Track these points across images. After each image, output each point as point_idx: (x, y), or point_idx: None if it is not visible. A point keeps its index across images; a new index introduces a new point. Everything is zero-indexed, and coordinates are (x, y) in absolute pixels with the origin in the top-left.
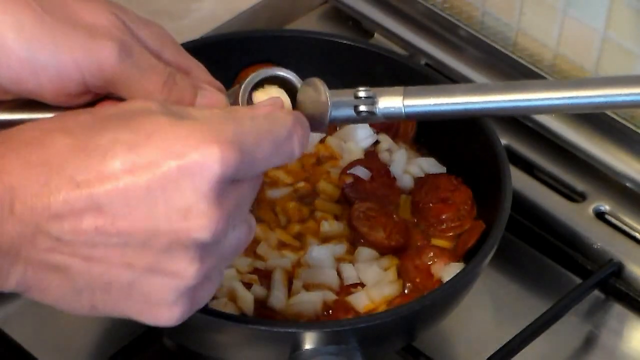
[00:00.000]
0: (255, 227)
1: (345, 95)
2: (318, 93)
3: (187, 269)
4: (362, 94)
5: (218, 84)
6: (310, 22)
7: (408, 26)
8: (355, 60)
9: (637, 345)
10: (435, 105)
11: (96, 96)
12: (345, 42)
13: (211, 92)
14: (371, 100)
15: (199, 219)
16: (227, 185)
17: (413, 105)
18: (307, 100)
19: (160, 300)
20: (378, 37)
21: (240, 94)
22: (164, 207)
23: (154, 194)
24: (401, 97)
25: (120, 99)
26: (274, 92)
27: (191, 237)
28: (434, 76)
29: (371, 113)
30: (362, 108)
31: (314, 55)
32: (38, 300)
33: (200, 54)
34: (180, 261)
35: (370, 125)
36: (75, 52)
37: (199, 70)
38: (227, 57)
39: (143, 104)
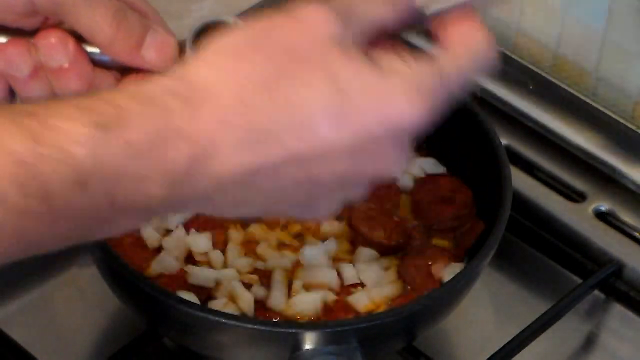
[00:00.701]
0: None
1: None
2: None
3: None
4: None
5: (171, 31)
6: None
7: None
8: None
9: (637, 345)
10: None
11: (45, 20)
12: None
13: (162, 33)
14: None
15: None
16: None
17: None
18: None
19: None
20: None
21: (187, 40)
22: (362, 163)
23: (354, 153)
24: None
25: (70, 30)
26: None
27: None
28: None
29: None
30: None
31: None
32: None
33: None
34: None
35: None
36: None
37: (154, 14)
38: None
39: (330, 38)
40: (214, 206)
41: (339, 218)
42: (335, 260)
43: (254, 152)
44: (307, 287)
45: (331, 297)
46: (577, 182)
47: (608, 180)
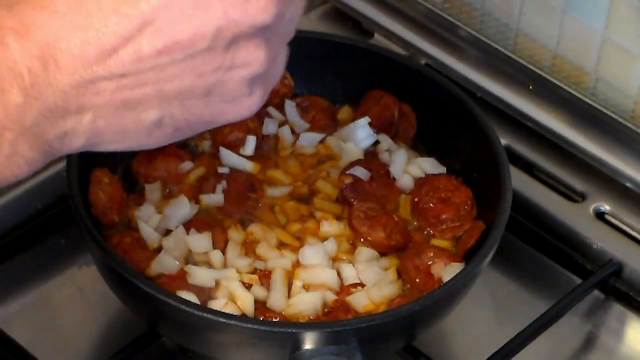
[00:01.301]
0: None
1: None
2: None
3: (257, 56)
4: None
5: None
6: (310, 22)
7: (408, 26)
8: (355, 60)
9: (637, 345)
10: None
11: None
12: (345, 42)
13: None
14: None
15: (257, 3)
16: None
17: None
18: None
19: (238, 94)
20: (378, 37)
21: None
22: (218, 4)
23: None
24: None
25: None
26: None
27: (254, 25)
28: (434, 76)
29: None
30: None
31: (314, 55)
32: (115, 149)
33: None
34: (248, 51)
35: (370, 126)
36: None
37: None
38: None
39: None
40: (96, 113)
41: (339, 218)
42: (335, 260)
43: (94, 29)
44: (307, 287)
45: (331, 297)
46: (577, 182)
47: (608, 180)
